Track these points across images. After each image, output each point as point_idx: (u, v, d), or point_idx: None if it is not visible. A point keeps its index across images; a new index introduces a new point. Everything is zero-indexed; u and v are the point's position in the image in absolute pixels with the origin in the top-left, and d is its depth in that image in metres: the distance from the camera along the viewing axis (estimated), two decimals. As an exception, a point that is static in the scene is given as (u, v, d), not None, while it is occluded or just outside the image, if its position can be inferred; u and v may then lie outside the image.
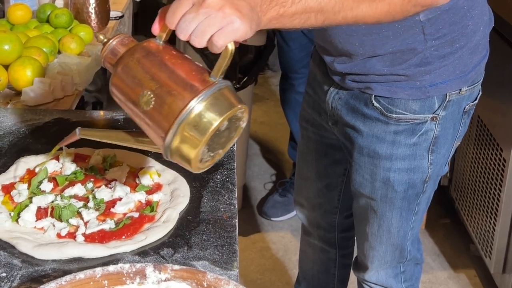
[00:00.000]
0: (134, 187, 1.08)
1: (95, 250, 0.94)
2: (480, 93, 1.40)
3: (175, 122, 0.84)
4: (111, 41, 0.92)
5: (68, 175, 1.10)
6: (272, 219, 2.75)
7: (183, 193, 1.07)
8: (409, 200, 1.41)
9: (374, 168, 1.38)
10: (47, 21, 1.85)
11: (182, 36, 0.85)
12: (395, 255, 1.50)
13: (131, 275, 0.85)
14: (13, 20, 1.81)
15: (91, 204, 1.04)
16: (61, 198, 1.04)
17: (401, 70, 1.28)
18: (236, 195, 1.09)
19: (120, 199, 1.05)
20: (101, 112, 1.43)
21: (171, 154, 0.87)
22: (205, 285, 0.84)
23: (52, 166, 1.12)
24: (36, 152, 1.17)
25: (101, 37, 0.94)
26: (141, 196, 1.06)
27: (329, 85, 1.41)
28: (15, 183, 1.08)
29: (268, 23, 0.92)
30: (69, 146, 1.17)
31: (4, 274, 0.89)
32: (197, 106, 0.84)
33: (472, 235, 2.43)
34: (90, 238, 0.96)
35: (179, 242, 0.97)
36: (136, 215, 1.02)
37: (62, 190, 1.07)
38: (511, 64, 2.06)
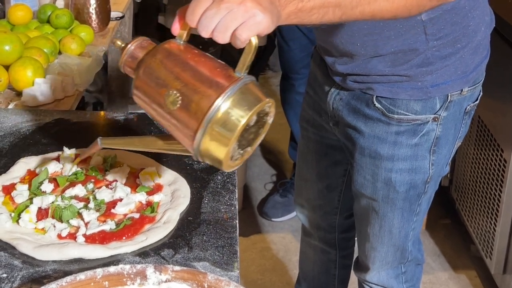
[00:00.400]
0: (135, 188, 1.08)
1: (95, 251, 0.93)
2: (481, 93, 1.40)
3: (204, 119, 0.83)
4: (129, 45, 0.91)
5: (69, 176, 1.10)
6: (273, 219, 2.75)
7: (183, 194, 1.07)
8: (411, 201, 1.41)
9: (375, 168, 1.38)
10: (48, 21, 1.85)
11: (205, 33, 0.85)
12: (396, 256, 1.50)
13: (132, 276, 0.85)
14: (14, 20, 1.81)
15: (91, 205, 1.03)
16: (62, 199, 1.04)
17: (402, 70, 1.28)
18: (236, 196, 1.09)
19: (121, 199, 1.05)
20: (102, 113, 1.43)
21: (201, 153, 0.86)
22: (206, 286, 0.84)
23: (53, 166, 1.12)
24: (37, 153, 1.18)
25: (119, 42, 0.93)
26: (141, 197, 1.06)
27: (330, 85, 1.41)
28: (15, 183, 1.08)
29: (287, 18, 0.92)
30: (69, 146, 1.17)
31: (4, 275, 0.89)
32: (224, 102, 0.83)
33: (472, 235, 2.43)
34: (91, 239, 0.96)
35: (180, 243, 0.97)
36: (136, 216, 1.02)
37: (63, 191, 1.07)
38: (511, 64, 2.06)
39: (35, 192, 1.06)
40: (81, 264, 0.92)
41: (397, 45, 1.25)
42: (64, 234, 0.98)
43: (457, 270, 2.48)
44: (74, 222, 1.00)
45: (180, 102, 0.84)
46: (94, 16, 1.91)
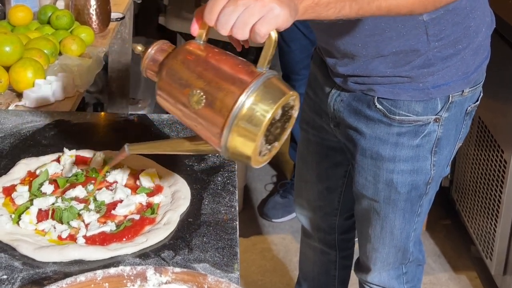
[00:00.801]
0: (135, 189, 1.08)
1: (96, 252, 0.93)
2: (482, 94, 1.40)
3: (229, 116, 0.84)
4: (149, 50, 0.92)
5: (69, 177, 1.10)
6: (273, 220, 2.75)
7: (184, 195, 1.07)
8: (412, 202, 1.41)
9: (377, 170, 1.38)
10: (48, 22, 1.85)
11: (224, 30, 0.85)
12: (397, 257, 1.50)
13: (132, 277, 0.85)
14: (14, 21, 1.81)
15: (92, 206, 1.04)
16: (62, 200, 1.04)
17: (404, 71, 1.28)
18: (236, 197, 1.09)
19: (121, 201, 1.05)
20: (102, 114, 1.44)
21: (229, 150, 0.86)
22: (206, 288, 0.84)
23: (53, 168, 1.12)
24: (37, 154, 1.17)
25: (139, 48, 0.94)
26: (142, 198, 1.06)
27: (330, 87, 1.41)
28: (16, 185, 1.08)
29: (304, 13, 0.92)
30: (69, 148, 1.17)
31: (5, 277, 0.89)
32: (248, 98, 0.84)
33: (473, 236, 2.43)
34: (91, 240, 0.96)
35: (180, 245, 0.97)
36: (137, 217, 1.02)
37: (63, 192, 1.07)
38: (511, 65, 2.06)
39: (35, 193, 1.06)
40: (82, 266, 0.92)
41: (399, 46, 1.25)
42: (64, 235, 0.98)
43: (458, 270, 2.48)
44: (75, 223, 1.00)
45: (204, 101, 0.85)
46: (94, 17, 1.91)
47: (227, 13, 0.84)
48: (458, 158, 2.55)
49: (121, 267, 0.86)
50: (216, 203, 1.07)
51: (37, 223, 1.00)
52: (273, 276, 2.45)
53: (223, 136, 0.85)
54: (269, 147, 0.89)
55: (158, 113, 1.37)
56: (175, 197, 1.06)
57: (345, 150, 1.47)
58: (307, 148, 1.60)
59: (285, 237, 2.66)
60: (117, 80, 2.59)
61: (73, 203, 1.04)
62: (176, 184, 1.10)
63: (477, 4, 1.28)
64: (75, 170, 1.12)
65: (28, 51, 1.58)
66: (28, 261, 0.92)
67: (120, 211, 1.03)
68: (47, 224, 0.99)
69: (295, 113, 0.91)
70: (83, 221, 1.00)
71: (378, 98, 1.32)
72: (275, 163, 3.17)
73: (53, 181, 1.09)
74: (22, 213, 1.01)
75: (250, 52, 2.36)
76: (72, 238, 0.97)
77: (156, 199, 1.06)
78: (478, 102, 1.39)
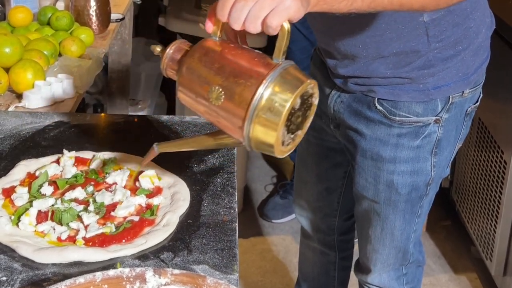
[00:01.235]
0: (135, 191, 1.08)
1: (95, 254, 0.93)
2: (481, 95, 1.40)
3: (249, 109, 0.85)
4: (167, 50, 0.94)
5: (69, 179, 1.10)
6: (273, 221, 2.75)
7: (183, 197, 1.07)
8: (413, 203, 1.41)
9: (377, 171, 1.38)
10: (48, 23, 1.85)
11: (236, 25, 0.86)
12: (398, 258, 1.50)
13: (131, 279, 0.85)
14: (14, 22, 1.81)
15: (91, 207, 1.04)
16: (62, 202, 1.04)
17: (404, 73, 1.28)
18: (236, 199, 1.09)
19: (121, 202, 1.05)
20: (102, 115, 1.44)
21: (252, 142, 0.88)
22: (205, 289, 0.84)
23: (53, 169, 1.12)
24: (37, 155, 1.18)
25: (158, 48, 0.96)
26: (141, 200, 1.06)
27: (330, 88, 1.41)
28: (15, 186, 1.08)
29: (316, 4, 0.92)
30: (69, 149, 1.17)
31: (4, 278, 0.89)
32: (266, 90, 0.85)
33: (473, 237, 2.43)
34: (91, 242, 0.96)
35: (179, 246, 0.97)
36: (136, 218, 1.02)
37: (63, 194, 1.07)
38: (511, 66, 2.06)
39: (35, 195, 1.06)
40: (81, 267, 0.92)
41: (399, 47, 1.25)
42: (63, 237, 0.98)
43: (458, 271, 2.48)
44: (74, 225, 1.00)
45: (223, 96, 0.87)
46: (94, 18, 1.91)
47: (238, 8, 0.85)
48: (458, 159, 2.55)
49: (120, 269, 0.86)
50: (215, 205, 1.07)
51: (36, 224, 1.00)
52: (273, 277, 2.45)
53: (245, 129, 0.87)
54: (292, 136, 0.91)
55: (158, 114, 1.37)
56: (174, 199, 1.06)
57: (345, 151, 1.47)
58: (307, 149, 1.60)
59: (285, 238, 2.66)
60: (117, 81, 2.59)
61: (73, 204, 1.04)
62: (175, 186, 1.10)
63: (477, 5, 1.28)
64: (75, 171, 1.12)
65: (28, 52, 1.58)
66: (28, 263, 0.92)
67: (120, 213, 1.03)
68: (47, 226, 0.99)
69: (315, 100, 0.93)
70: (82, 222, 1.00)
71: (378, 99, 1.32)
72: (275, 163, 3.17)
73: (53, 182, 1.09)
74: (22, 214, 1.01)
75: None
76: (72, 239, 0.97)
77: (155, 201, 1.06)
78: (478, 103, 1.39)
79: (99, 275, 0.84)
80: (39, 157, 1.17)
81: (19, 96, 1.49)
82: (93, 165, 1.14)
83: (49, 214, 1.01)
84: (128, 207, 1.03)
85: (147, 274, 0.85)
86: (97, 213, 1.02)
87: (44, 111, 1.41)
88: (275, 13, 0.85)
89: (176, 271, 0.86)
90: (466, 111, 1.36)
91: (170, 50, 0.94)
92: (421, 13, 1.21)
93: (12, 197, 1.05)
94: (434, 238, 2.65)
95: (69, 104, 1.50)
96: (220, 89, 0.87)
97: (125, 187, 1.09)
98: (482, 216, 2.32)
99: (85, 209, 1.03)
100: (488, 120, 2.26)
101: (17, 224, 0.99)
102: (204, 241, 0.98)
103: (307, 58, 2.50)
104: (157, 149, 1.03)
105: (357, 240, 1.61)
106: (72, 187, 1.08)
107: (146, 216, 1.02)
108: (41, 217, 1.01)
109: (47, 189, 1.07)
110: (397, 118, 1.32)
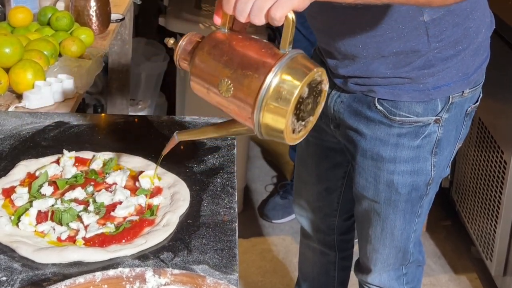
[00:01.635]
0: (134, 191, 1.08)
1: (95, 254, 0.93)
2: (481, 95, 1.40)
3: (257, 100, 0.87)
4: (180, 42, 0.96)
5: (69, 179, 1.10)
6: (273, 221, 2.75)
7: (183, 197, 1.07)
8: (413, 203, 1.41)
9: (377, 171, 1.38)
10: (48, 24, 1.85)
11: (242, 18, 0.88)
12: (398, 258, 1.50)
13: (131, 279, 0.85)
14: (14, 23, 1.81)
15: (91, 207, 1.04)
16: (61, 202, 1.04)
17: (404, 73, 1.28)
18: (236, 199, 1.09)
19: (120, 202, 1.05)
20: (102, 115, 1.43)
21: (263, 131, 0.90)
22: (205, 289, 0.84)
23: (53, 169, 1.12)
24: (37, 156, 1.18)
25: (171, 41, 0.99)
26: (141, 200, 1.06)
27: (330, 88, 1.40)
28: (15, 186, 1.08)
29: None
30: (69, 149, 1.17)
31: (4, 278, 0.90)
32: (273, 80, 0.87)
33: (473, 237, 2.43)
34: (90, 242, 0.96)
35: (179, 246, 0.97)
36: (136, 218, 1.02)
37: (62, 194, 1.07)
38: (511, 66, 2.06)
39: (34, 195, 1.06)
40: (81, 267, 0.92)
41: (399, 46, 1.25)
42: (63, 237, 0.98)
43: (458, 271, 2.48)
44: (74, 225, 1.00)
45: (232, 88, 0.89)
46: (94, 19, 1.91)
47: (243, 1, 0.87)
48: (458, 159, 2.55)
49: (120, 269, 0.86)
50: (215, 205, 1.07)
51: (36, 224, 1.00)
52: (273, 277, 2.45)
53: (255, 120, 0.89)
54: (303, 123, 0.92)
55: (158, 114, 1.37)
56: (174, 199, 1.06)
57: (345, 151, 1.47)
58: (307, 149, 1.60)
59: (285, 238, 2.66)
60: (117, 81, 2.59)
61: (73, 204, 1.04)
62: (175, 186, 1.10)
63: (477, 5, 1.29)
64: (75, 171, 1.12)
65: (28, 53, 1.58)
66: (28, 263, 0.92)
67: (120, 213, 1.03)
68: (47, 226, 0.99)
69: (325, 86, 0.94)
70: (82, 222, 1.00)
71: (378, 99, 1.32)
72: (276, 164, 3.17)
73: (53, 182, 1.09)
74: (22, 214, 1.01)
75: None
76: (72, 239, 0.97)
77: (155, 201, 1.06)
78: (478, 103, 1.39)
79: (98, 275, 0.85)
80: (39, 157, 1.17)
81: (19, 96, 1.49)
82: (93, 165, 1.14)
83: (49, 214, 1.01)
84: (128, 207, 1.03)
85: (147, 274, 0.85)
86: (97, 213, 1.02)
87: (44, 111, 1.41)
88: (278, 5, 0.86)
89: (176, 271, 0.86)
90: (466, 111, 1.36)
91: (182, 42, 0.96)
92: (421, 12, 1.21)
93: (12, 197, 1.05)
94: (434, 238, 2.65)
95: (69, 104, 1.50)
96: (229, 82, 0.89)
97: (125, 187, 1.09)
98: (482, 216, 2.32)
99: (85, 209, 1.03)
100: (488, 120, 2.26)
101: (17, 224, 1.00)
102: (204, 241, 0.98)
103: (307, 58, 2.51)
104: (177, 137, 1.05)
105: (357, 240, 1.61)
106: (72, 187, 1.08)
107: (146, 216, 1.03)
108: (41, 217, 1.01)
109: (47, 189, 1.07)
110: (397, 118, 1.32)
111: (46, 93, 1.47)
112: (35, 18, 1.88)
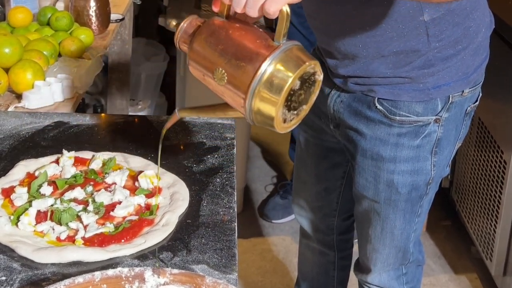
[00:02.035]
0: (134, 191, 1.08)
1: (94, 253, 0.93)
2: (481, 94, 1.40)
3: (248, 92, 0.90)
4: (181, 24, 0.98)
5: (68, 179, 1.10)
6: (273, 221, 2.75)
7: (182, 197, 1.07)
8: (413, 202, 1.41)
9: (377, 170, 1.38)
10: (48, 24, 1.85)
11: (239, 9, 0.89)
12: (398, 257, 1.50)
13: (130, 279, 0.85)
14: (14, 23, 1.81)
15: (90, 207, 1.04)
16: (61, 202, 1.04)
17: (404, 72, 1.28)
18: (235, 199, 1.09)
19: (120, 202, 1.05)
20: (102, 115, 1.43)
21: (255, 119, 0.92)
22: (204, 289, 0.84)
23: (52, 169, 1.12)
24: (36, 156, 1.18)
25: (174, 22, 1.00)
26: (140, 200, 1.06)
27: (330, 88, 1.41)
28: (15, 186, 1.08)
29: None
30: (68, 149, 1.17)
31: (3, 278, 0.90)
32: (266, 70, 0.89)
33: (473, 237, 2.43)
34: (90, 242, 0.96)
35: (179, 246, 0.97)
36: (135, 218, 1.02)
37: (62, 194, 1.07)
38: (511, 66, 2.06)
39: (34, 195, 1.06)
40: (80, 267, 0.92)
41: (399, 46, 1.25)
42: (63, 237, 0.98)
43: (458, 271, 2.48)
44: (73, 225, 1.00)
45: (226, 77, 0.91)
46: (94, 19, 1.91)
47: None
48: (458, 159, 2.55)
49: (119, 269, 0.86)
50: (214, 205, 1.07)
51: (35, 224, 1.00)
52: (273, 277, 2.45)
53: (246, 110, 0.91)
54: (295, 112, 0.94)
55: (158, 114, 1.37)
56: (173, 199, 1.06)
57: (345, 151, 1.47)
58: (306, 149, 1.60)
59: (285, 238, 2.66)
60: (117, 81, 2.59)
61: (72, 204, 1.04)
62: (174, 186, 1.10)
63: (477, 5, 1.29)
64: (74, 171, 1.12)
65: (28, 53, 1.58)
66: (27, 263, 0.92)
67: (119, 213, 1.03)
68: (46, 226, 0.99)
69: (319, 77, 0.95)
70: (81, 222, 1.00)
71: (378, 99, 1.32)
72: (275, 164, 3.17)
73: (52, 182, 1.09)
74: (21, 214, 1.01)
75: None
76: (71, 239, 0.97)
77: (154, 201, 1.06)
78: (477, 103, 1.39)
79: (98, 274, 0.84)
80: (39, 157, 1.17)
81: (19, 96, 1.50)
82: (93, 165, 1.14)
83: (49, 214, 1.01)
84: (127, 207, 1.03)
85: (146, 273, 0.85)
86: (96, 213, 1.02)
87: (44, 111, 1.41)
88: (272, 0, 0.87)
89: (175, 271, 0.86)
90: (466, 110, 1.36)
91: (184, 24, 0.98)
92: (421, 12, 1.21)
93: (11, 197, 1.05)
94: (434, 238, 2.65)
95: (69, 104, 1.50)
96: (223, 71, 0.91)
97: (124, 187, 1.09)
98: (482, 216, 2.32)
99: (84, 209, 1.03)
100: (488, 120, 2.26)
101: (16, 224, 1.00)
102: (203, 241, 0.98)
103: (307, 58, 2.51)
104: (178, 114, 1.07)
105: (356, 240, 1.61)
106: (71, 187, 1.08)
107: (145, 216, 1.03)
108: (41, 217, 1.01)
109: (47, 189, 1.07)
110: (397, 117, 1.32)
111: (46, 93, 1.47)
112: (34, 18, 1.88)
